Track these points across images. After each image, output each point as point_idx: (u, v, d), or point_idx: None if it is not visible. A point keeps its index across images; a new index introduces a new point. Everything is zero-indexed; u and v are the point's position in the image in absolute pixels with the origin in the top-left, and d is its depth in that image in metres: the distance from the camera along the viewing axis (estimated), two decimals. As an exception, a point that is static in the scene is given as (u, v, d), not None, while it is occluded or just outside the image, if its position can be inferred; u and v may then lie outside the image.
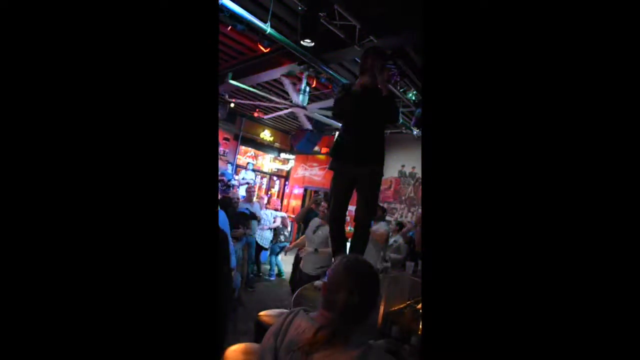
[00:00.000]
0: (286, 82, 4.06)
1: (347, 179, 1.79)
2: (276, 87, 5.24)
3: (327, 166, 1.96)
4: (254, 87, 4.78)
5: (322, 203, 3.05)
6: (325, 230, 2.78)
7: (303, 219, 3.62)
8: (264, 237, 4.65)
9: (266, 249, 4.82)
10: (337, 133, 1.99)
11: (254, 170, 7.03)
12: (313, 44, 2.81)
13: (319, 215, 3.09)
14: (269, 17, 2.96)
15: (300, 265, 2.95)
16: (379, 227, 3.30)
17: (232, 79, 4.33)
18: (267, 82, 5.00)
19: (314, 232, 2.87)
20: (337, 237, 1.86)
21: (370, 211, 1.85)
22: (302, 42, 2.85)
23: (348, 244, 1.93)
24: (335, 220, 1.86)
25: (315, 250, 2.80)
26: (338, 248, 1.86)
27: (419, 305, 1.79)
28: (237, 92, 5.55)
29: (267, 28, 2.96)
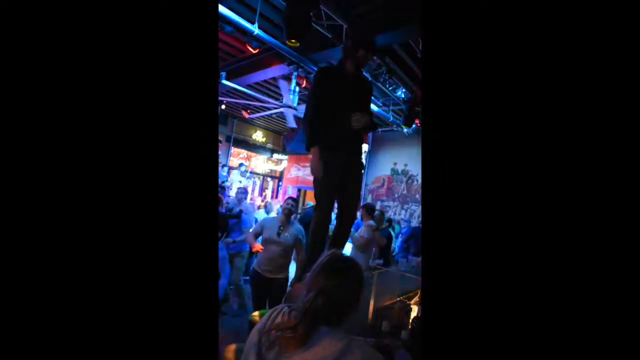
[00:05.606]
0: (283, 84, 4.02)
1: (340, 171, 1.58)
2: (266, 88, 5.24)
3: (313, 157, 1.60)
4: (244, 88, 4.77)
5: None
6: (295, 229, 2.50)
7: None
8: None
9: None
10: (305, 120, 1.64)
11: (245, 172, 6.99)
12: (298, 44, 2.80)
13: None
14: (257, 18, 2.97)
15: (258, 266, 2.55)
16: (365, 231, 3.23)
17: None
18: (256, 83, 5.00)
19: (279, 233, 2.48)
20: (320, 245, 1.63)
21: (358, 203, 1.84)
22: (288, 42, 2.84)
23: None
24: (326, 226, 1.65)
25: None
26: (314, 257, 1.59)
27: (411, 302, 1.82)
28: (226, 93, 5.54)
29: (254, 29, 2.96)
